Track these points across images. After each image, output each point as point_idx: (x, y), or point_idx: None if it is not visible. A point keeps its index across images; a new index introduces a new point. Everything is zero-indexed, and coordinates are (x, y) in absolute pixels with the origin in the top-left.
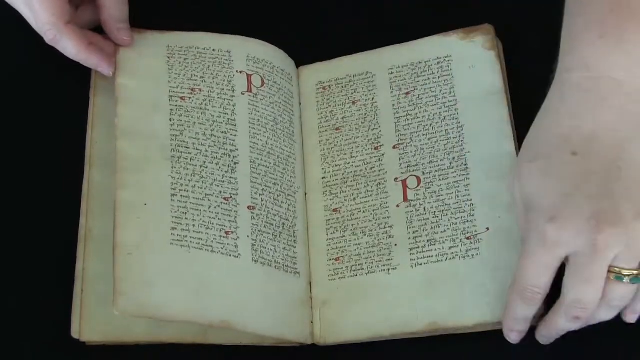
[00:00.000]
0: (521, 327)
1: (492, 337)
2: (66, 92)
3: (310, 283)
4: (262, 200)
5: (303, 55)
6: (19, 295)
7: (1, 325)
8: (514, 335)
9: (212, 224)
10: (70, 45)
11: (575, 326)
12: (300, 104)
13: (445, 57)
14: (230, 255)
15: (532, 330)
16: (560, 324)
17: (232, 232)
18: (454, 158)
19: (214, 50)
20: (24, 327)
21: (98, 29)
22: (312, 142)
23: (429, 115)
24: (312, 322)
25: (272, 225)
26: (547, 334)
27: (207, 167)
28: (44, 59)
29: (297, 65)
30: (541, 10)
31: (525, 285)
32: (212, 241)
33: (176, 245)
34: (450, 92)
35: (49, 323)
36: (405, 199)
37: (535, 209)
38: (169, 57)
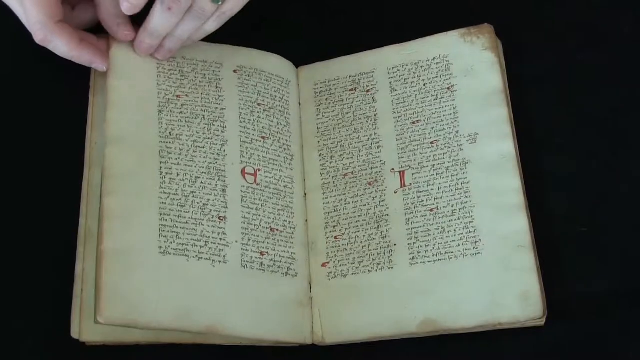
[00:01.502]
0: (154, 41)
1: (492, 337)
2: (66, 93)
3: (310, 283)
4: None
5: (303, 55)
6: (19, 296)
7: (1, 326)
8: (144, 47)
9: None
10: (61, 44)
11: (169, 22)
12: (299, 104)
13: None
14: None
15: (534, 331)
16: (156, 17)
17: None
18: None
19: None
20: (23, 327)
21: (97, 31)
22: (311, 142)
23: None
24: (312, 322)
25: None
26: (148, 37)
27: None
28: (44, 59)
29: (297, 65)
30: (541, 10)
31: None
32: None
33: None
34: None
35: (49, 323)
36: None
37: None
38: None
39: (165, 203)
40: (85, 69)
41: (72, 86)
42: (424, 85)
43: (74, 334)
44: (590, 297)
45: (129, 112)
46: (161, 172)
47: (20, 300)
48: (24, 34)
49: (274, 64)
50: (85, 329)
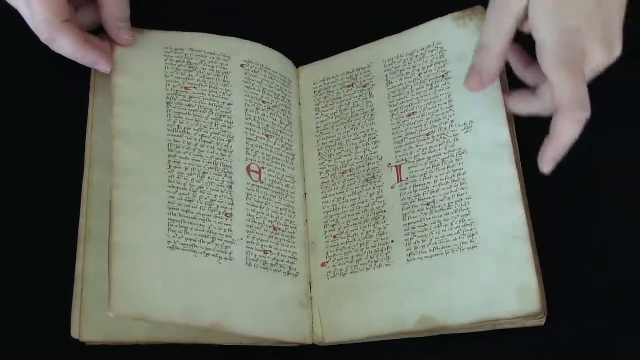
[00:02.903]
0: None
1: (492, 337)
2: (66, 92)
3: (310, 283)
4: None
5: (303, 55)
6: (19, 295)
7: (1, 326)
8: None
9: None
10: (66, 43)
11: (578, 130)
12: (300, 104)
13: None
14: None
15: (534, 331)
16: (568, 131)
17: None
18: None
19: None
20: (23, 327)
21: (97, 32)
22: (311, 141)
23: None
24: (312, 322)
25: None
26: (555, 151)
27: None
28: (44, 59)
29: (297, 65)
30: None
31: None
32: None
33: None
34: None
35: (49, 323)
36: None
37: None
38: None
39: (174, 197)
40: (85, 69)
41: (72, 86)
42: (419, 75)
43: (74, 334)
44: (590, 297)
45: (137, 105)
46: (170, 166)
47: (20, 300)
48: (25, 34)
49: (277, 62)
50: (85, 329)
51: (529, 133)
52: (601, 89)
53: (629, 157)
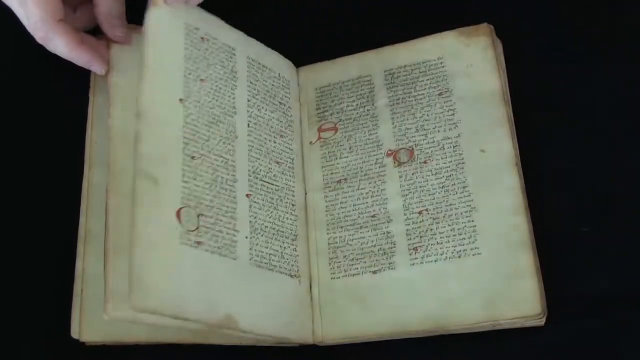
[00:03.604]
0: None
1: (492, 337)
2: (66, 92)
3: (310, 283)
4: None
5: (304, 55)
6: (19, 295)
7: (1, 325)
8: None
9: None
10: (61, 43)
11: None
12: (300, 104)
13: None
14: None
15: (534, 331)
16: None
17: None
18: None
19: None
20: (23, 327)
21: (96, 32)
22: (312, 141)
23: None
24: (312, 322)
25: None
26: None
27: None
28: (44, 59)
29: (297, 65)
30: (541, 10)
31: None
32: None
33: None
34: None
35: (49, 323)
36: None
37: None
38: None
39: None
40: (85, 69)
41: (72, 86)
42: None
43: (74, 333)
44: (590, 297)
45: (132, 106)
46: None
47: (20, 300)
48: (24, 34)
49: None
50: (85, 328)
51: (530, 143)
52: (599, 93)
53: (627, 158)
